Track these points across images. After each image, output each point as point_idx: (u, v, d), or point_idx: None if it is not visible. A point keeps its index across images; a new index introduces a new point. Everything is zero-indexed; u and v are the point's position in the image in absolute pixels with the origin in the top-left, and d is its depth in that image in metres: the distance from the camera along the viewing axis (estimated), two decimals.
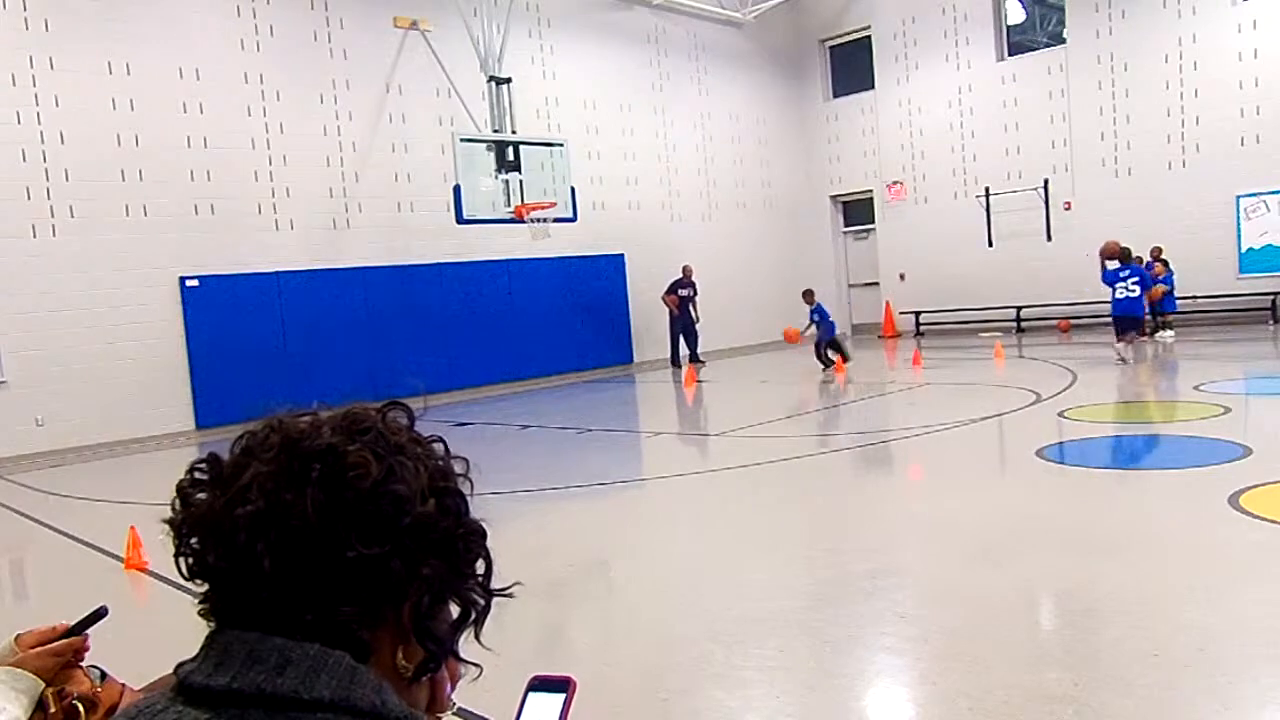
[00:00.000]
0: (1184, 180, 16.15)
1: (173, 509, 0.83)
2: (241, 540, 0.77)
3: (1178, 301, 15.30)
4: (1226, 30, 15.63)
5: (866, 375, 13.88)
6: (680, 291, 16.74)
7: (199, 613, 0.82)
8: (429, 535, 0.81)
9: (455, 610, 0.86)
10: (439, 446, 0.87)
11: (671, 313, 16.86)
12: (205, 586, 0.81)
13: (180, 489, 0.83)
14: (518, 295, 15.42)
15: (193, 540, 0.81)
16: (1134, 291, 12.21)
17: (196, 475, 0.83)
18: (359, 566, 0.77)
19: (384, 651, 0.81)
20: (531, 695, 0.89)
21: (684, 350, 16.87)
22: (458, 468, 0.87)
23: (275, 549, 0.76)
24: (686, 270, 16.93)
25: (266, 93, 12.82)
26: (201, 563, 0.81)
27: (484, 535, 0.86)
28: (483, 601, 0.86)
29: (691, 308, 16.77)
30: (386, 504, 0.79)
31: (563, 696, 0.88)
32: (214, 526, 0.79)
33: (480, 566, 0.86)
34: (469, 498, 0.87)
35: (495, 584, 0.87)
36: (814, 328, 14.43)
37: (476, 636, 0.87)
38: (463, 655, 0.88)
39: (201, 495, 0.82)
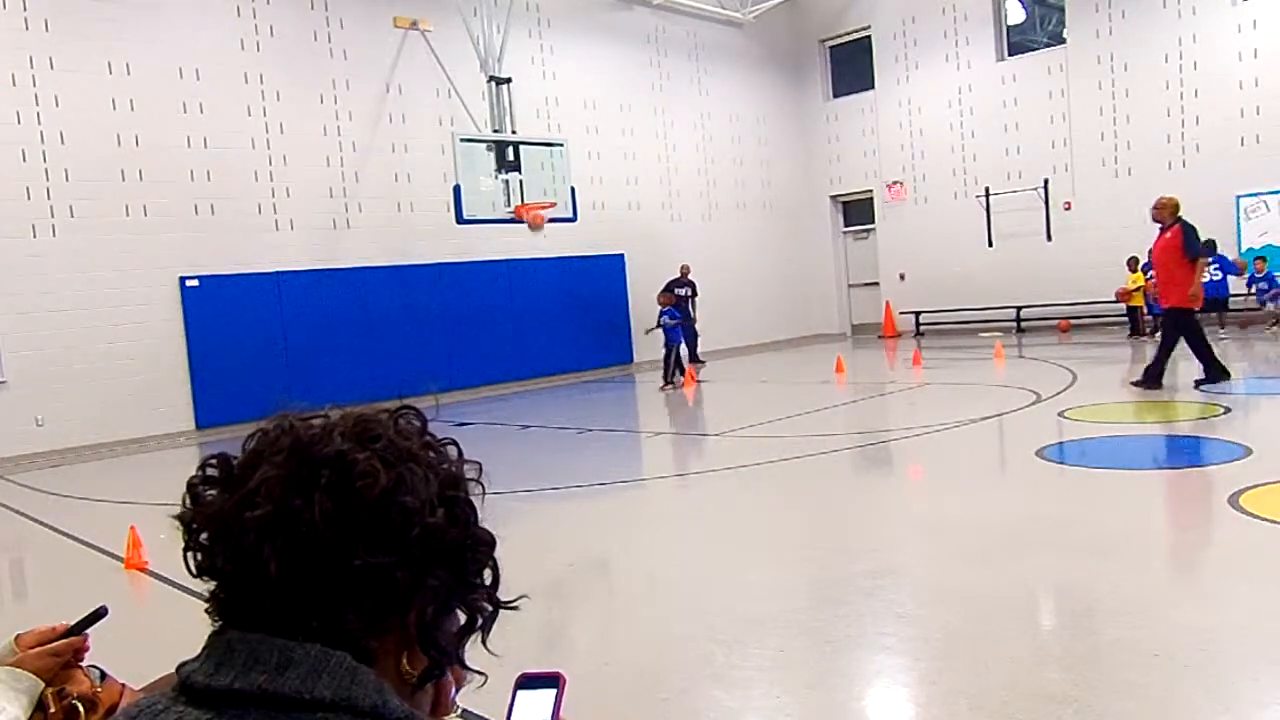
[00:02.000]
0: (1184, 180, 16.10)
1: (183, 505, 0.83)
2: (249, 543, 0.77)
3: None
4: (1226, 30, 15.63)
5: (866, 375, 13.88)
6: (677, 291, 16.64)
7: (205, 610, 0.82)
8: (436, 546, 0.80)
9: (461, 617, 0.86)
10: (452, 450, 0.87)
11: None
12: (211, 584, 0.82)
13: (191, 485, 0.83)
14: (518, 295, 15.42)
15: (202, 537, 0.81)
16: (1216, 276, 14.00)
17: (207, 472, 0.83)
18: (365, 575, 0.77)
19: (389, 658, 0.81)
20: (521, 693, 0.88)
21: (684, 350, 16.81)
22: (470, 471, 0.87)
23: (282, 554, 0.76)
24: (684, 270, 16.95)
25: (266, 93, 12.82)
26: (209, 561, 0.81)
27: (492, 545, 0.86)
28: (489, 609, 0.86)
29: (690, 308, 16.70)
30: (395, 514, 0.78)
31: (554, 692, 0.87)
32: (222, 527, 0.79)
33: (487, 576, 0.86)
34: (481, 499, 0.86)
35: (501, 591, 0.87)
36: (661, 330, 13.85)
37: (483, 643, 0.87)
38: (467, 660, 0.88)
39: (212, 493, 0.82)
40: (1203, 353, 9.57)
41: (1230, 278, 14.83)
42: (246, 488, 0.79)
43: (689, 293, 16.79)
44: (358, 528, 0.77)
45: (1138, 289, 15.40)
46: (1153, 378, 9.73)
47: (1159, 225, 9.87)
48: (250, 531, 0.77)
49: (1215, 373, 9.51)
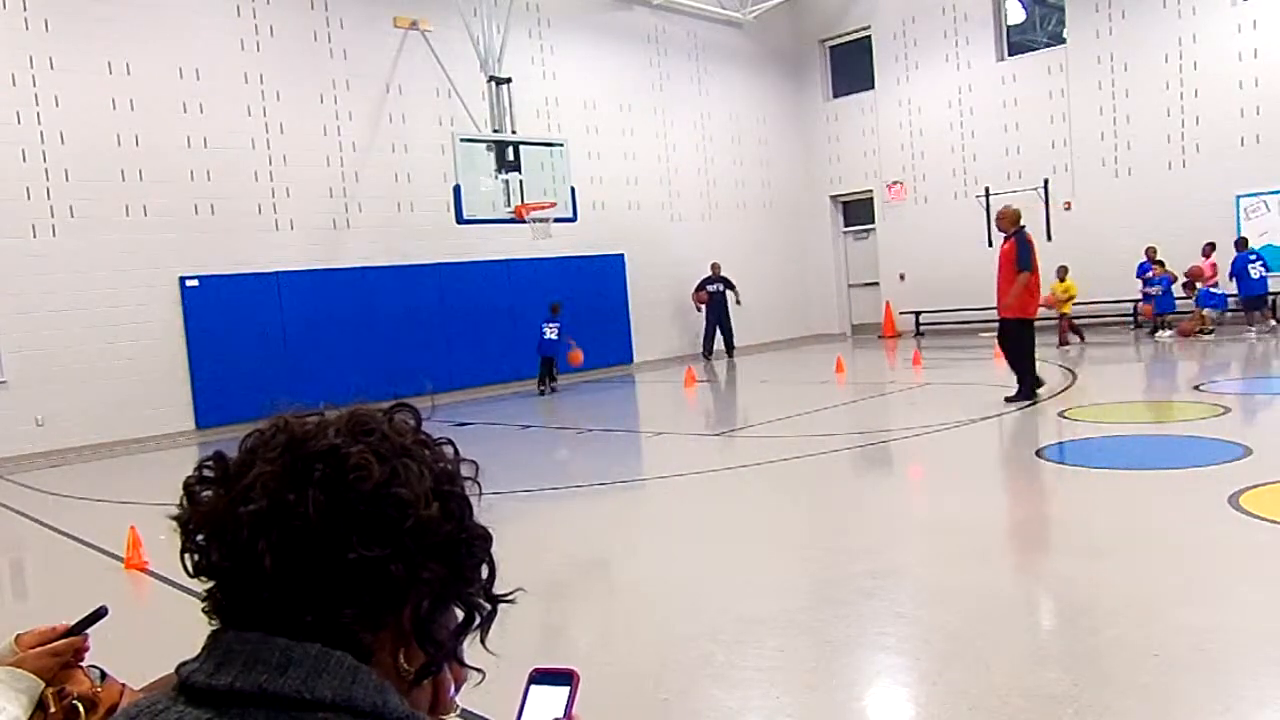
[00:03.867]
0: (1184, 180, 16.15)
1: (179, 506, 0.83)
2: (244, 539, 0.77)
3: (1177, 302, 15.33)
4: (1226, 30, 15.63)
5: (866, 375, 13.88)
6: (709, 288, 17.64)
7: (202, 610, 0.82)
8: (431, 539, 0.80)
9: (460, 614, 0.86)
10: (448, 449, 0.87)
11: (700, 308, 17.81)
12: (209, 584, 0.82)
13: (187, 486, 0.83)
14: (518, 295, 15.41)
15: (198, 537, 0.81)
16: (1263, 271, 14.61)
17: (204, 473, 0.83)
18: (360, 568, 0.77)
19: (385, 654, 0.81)
20: (534, 688, 0.87)
21: (719, 344, 17.90)
22: (466, 470, 0.87)
23: (276, 548, 0.76)
24: (715, 268, 17.77)
25: (266, 93, 12.82)
26: (205, 560, 0.81)
27: (488, 540, 0.86)
28: (486, 606, 0.86)
29: (726, 302, 17.70)
30: (388, 506, 0.79)
31: (567, 689, 0.86)
32: (218, 524, 0.79)
33: (484, 572, 0.86)
34: (477, 500, 0.86)
35: (498, 588, 0.87)
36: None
37: (482, 641, 0.87)
38: (467, 659, 0.88)
39: (207, 493, 0.82)
40: (1022, 367, 9.51)
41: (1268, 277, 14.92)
42: (241, 484, 0.79)
43: (721, 288, 17.65)
44: (352, 520, 0.77)
45: (1070, 299, 15.26)
46: (1026, 391, 9.57)
47: (1002, 234, 9.92)
48: (245, 527, 0.77)
49: (1027, 390, 9.47)
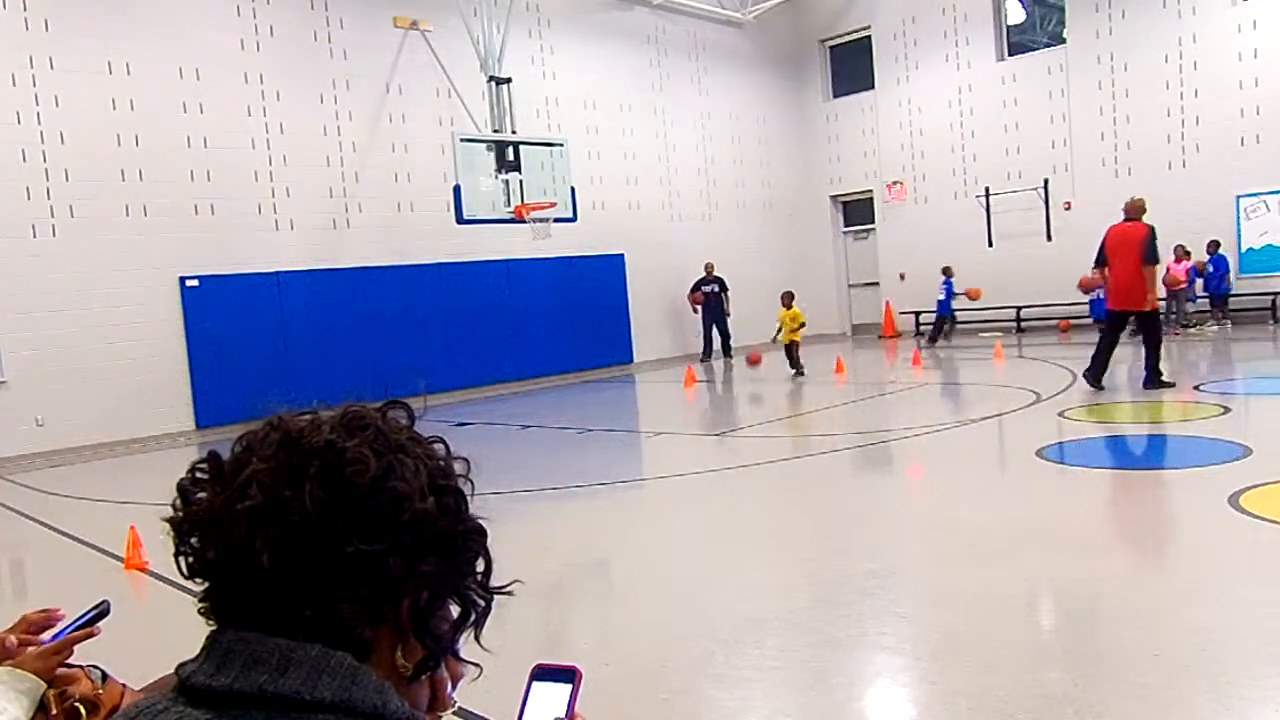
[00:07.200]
0: (1184, 180, 16.14)
1: (173, 508, 0.83)
2: (240, 536, 0.77)
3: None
4: (1226, 30, 15.63)
5: (866, 375, 13.88)
6: (704, 289, 17.61)
7: (199, 611, 0.82)
8: (428, 532, 0.81)
9: (456, 610, 0.86)
10: (439, 446, 0.88)
11: (697, 309, 17.80)
12: (205, 585, 0.82)
13: (181, 488, 0.83)
14: (518, 295, 15.42)
15: (192, 538, 0.81)
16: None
17: (197, 474, 0.83)
18: (358, 563, 0.77)
19: (384, 650, 0.81)
20: (536, 685, 0.87)
21: (716, 344, 17.83)
22: (458, 468, 0.87)
23: (274, 545, 0.76)
24: (709, 267, 17.71)
25: (266, 93, 12.82)
26: (201, 560, 0.81)
27: (484, 534, 0.86)
28: (482, 601, 0.86)
29: (722, 303, 17.67)
30: (385, 500, 0.79)
31: (569, 687, 0.87)
32: (214, 523, 0.79)
33: (480, 565, 0.86)
34: (470, 497, 0.87)
35: (494, 582, 0.87)
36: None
37: (477, 638, 0.87)
38: (463, 656, 0.88)
39: (202, 494, 0.82)
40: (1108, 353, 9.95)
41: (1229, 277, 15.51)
42: (237, 482, 0.79)
43: (717, 289, 17.62)
44: (349, 515, 0.78)
45: (799, 327, 13.87)
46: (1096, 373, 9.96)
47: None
48: (241, 524, 0.77)
49: (1153, 378, 9.73)
